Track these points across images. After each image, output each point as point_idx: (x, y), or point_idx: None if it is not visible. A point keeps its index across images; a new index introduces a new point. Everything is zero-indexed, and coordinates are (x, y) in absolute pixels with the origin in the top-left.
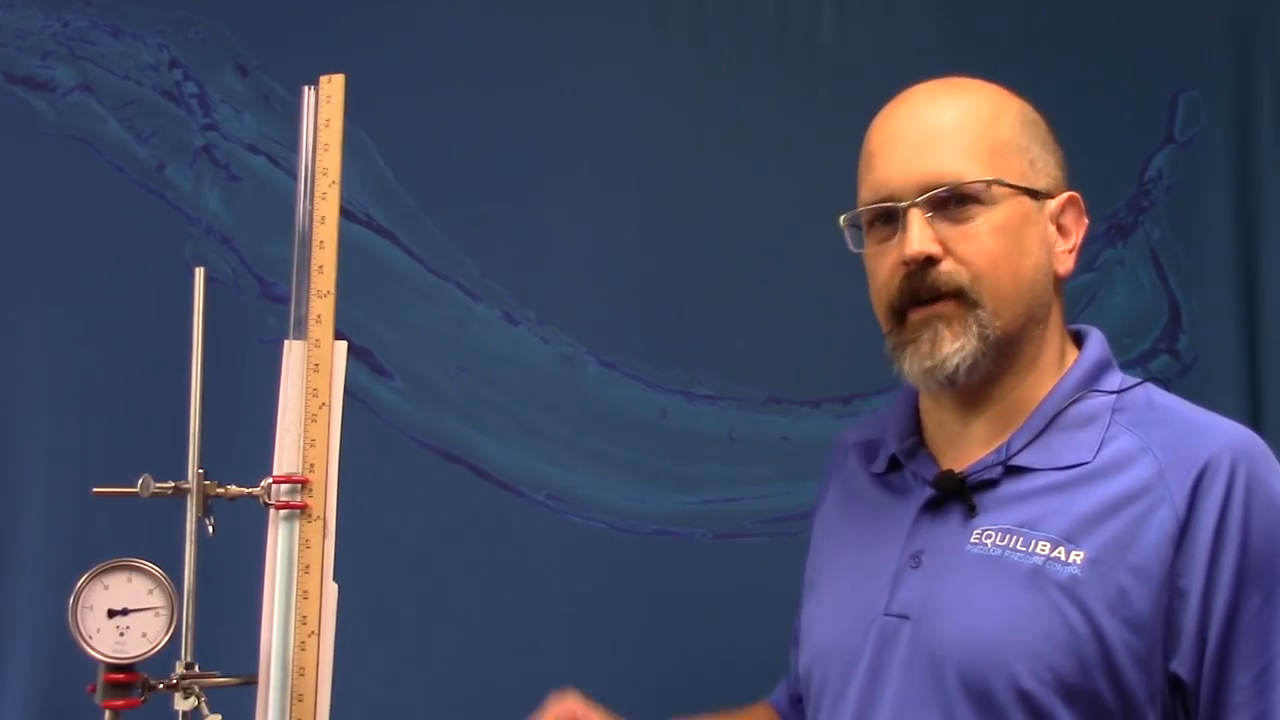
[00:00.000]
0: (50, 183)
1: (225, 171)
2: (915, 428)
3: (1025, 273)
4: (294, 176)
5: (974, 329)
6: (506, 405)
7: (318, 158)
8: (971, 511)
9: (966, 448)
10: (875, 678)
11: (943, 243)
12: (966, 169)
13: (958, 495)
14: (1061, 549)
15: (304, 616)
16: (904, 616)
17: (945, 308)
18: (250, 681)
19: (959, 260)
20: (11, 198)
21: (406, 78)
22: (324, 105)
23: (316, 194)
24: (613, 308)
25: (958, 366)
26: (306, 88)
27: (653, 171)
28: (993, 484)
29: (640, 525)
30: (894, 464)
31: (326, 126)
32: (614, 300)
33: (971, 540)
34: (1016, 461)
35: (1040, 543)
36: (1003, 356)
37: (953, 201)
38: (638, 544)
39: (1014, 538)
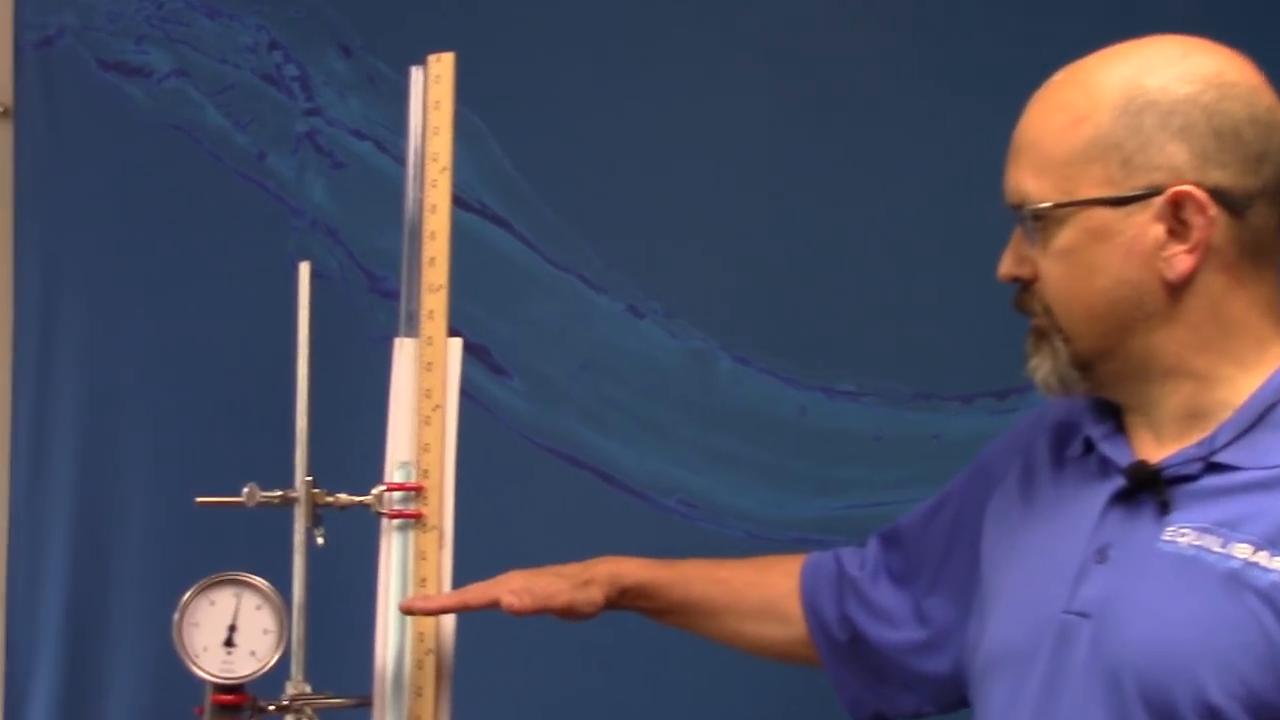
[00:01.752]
0: (146, 174)
1: (330, 159)
2: (1115, 410)
3: (1098, 294)
4: (403, 163)
5: (1050, 351)
6: (633, 405)
7: (427, 142)
8: (1165, 508)
9: (1164, 438)
10: (1051, 682)
11: (1032, 261)
12: (1034, 189)
13: (1151, 488)
14: (1264, 554)
15: (421, 633)
16: (1085, 615)
17: (1039, 322)
18: (364, 703)
19: (1040, 281)
20: (106, 191)
21: (521, 55)
22: (433, 86)
23: (427, 181)
24: (746, 299)
25: (1046, 383)
26: (414, 68)
27: (788, 150)
28: (1191, 478)
29: (779, 533)
30: (1087, 447)
31: (436, 109)
32: (747, 291)
33: (1164, 538)
34: (1220, 458)
35: (1240, 545)
36: (1116, 372)
37: (1029, 219)
38: (777, 552)
39: (1211, 538)
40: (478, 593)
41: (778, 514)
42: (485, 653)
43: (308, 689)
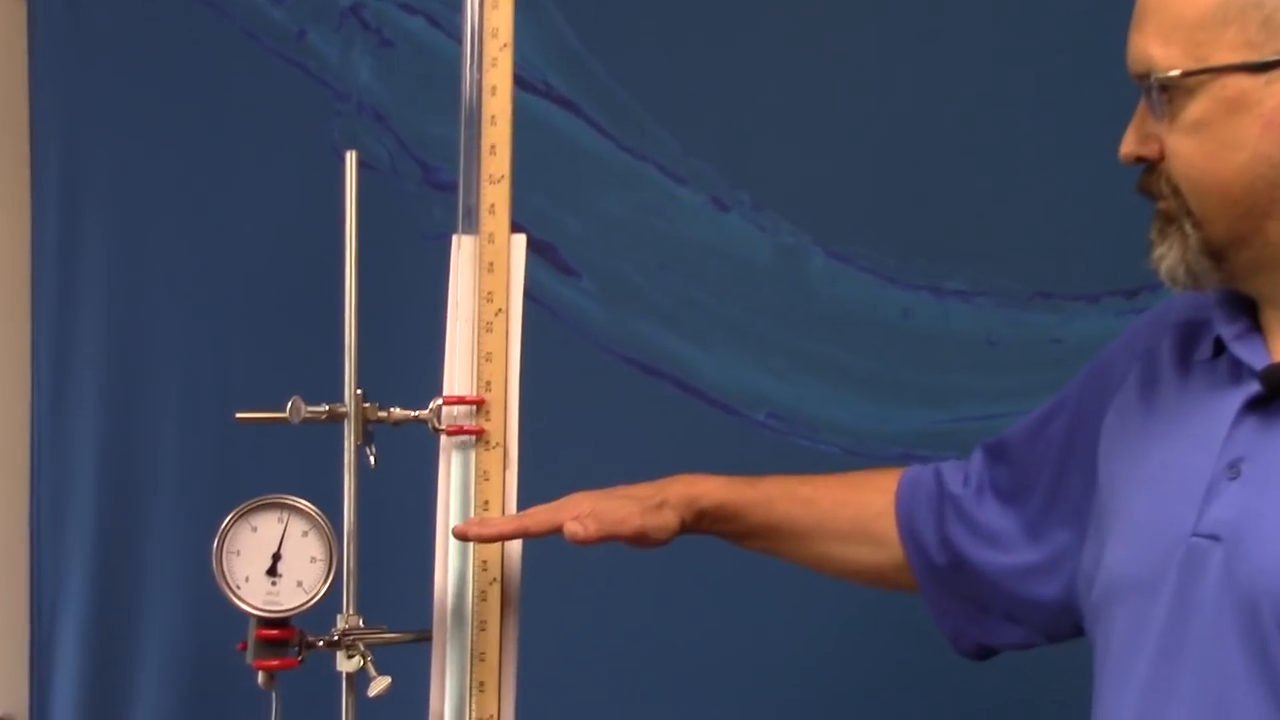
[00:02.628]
0: (172, 57)
1: (377, 36)
2: (1249, 307)
3: (1233, 173)
4: (458, 40)
5: (1177, 238)
6: (716, 307)
7: (485, 16)
8: None
9: None
10: (1178, 613)
11: (1158, 138)
12: (1160, 56)
13: None
14: None
15: (484, 561)
16: (1215, 538)
17: (1166, 206)
18: (423, 638)
19: (1167, 160)
20: (128, 77)
21: None
22: None
23: (485, 60)
24: (843, 187)
25: (1172, 274)
26: None
27: (892, 16)
28: None
29: (881, 449)
30: (1217, 349)
31: None
32: (844, 178)
33: None
34: None
35: None
36: (1252, 262)
37: (1155, 91)
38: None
39: None
40: (540, 517)
41: (878, 428)
42: (546, 582)
43: (360, 623)
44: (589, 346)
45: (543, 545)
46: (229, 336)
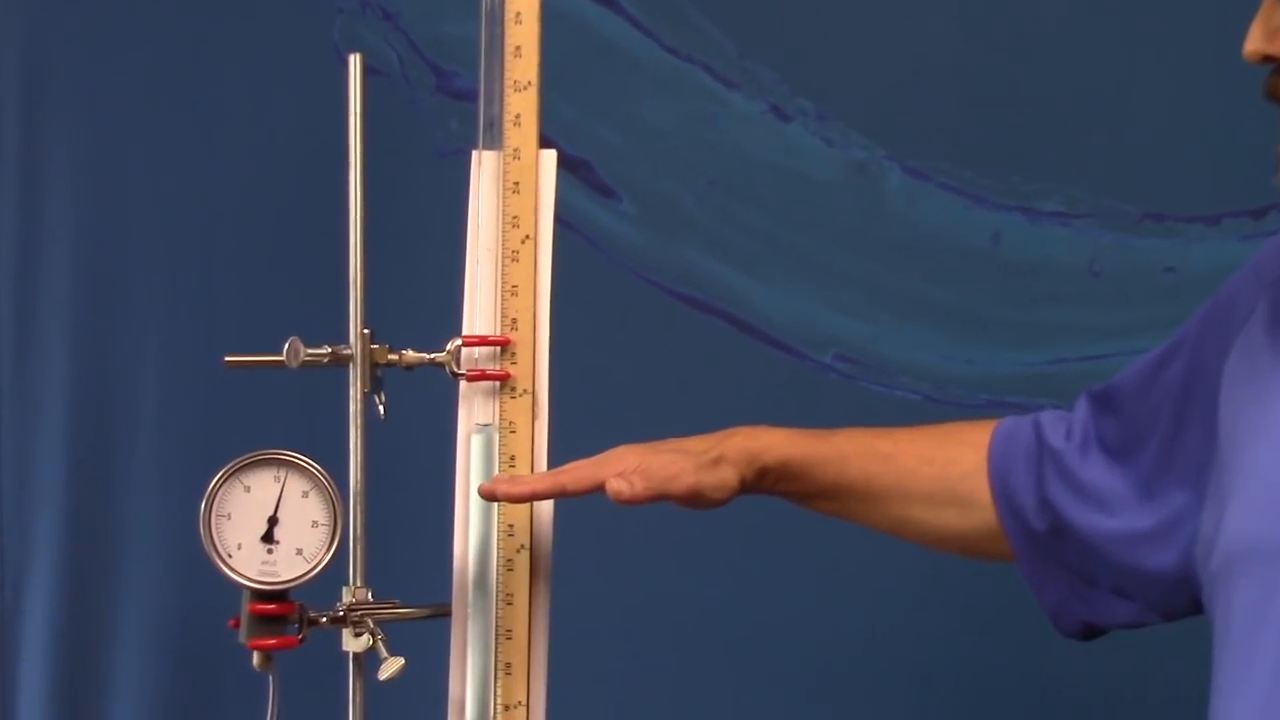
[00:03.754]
0: None
1: None
2: None
3: None
4: None
5: None
6: (777, 232)
7: None
8: None
9: None
10: None
11: None
12: None
13: None
14: None
15: (510, 525)
16: None
17: None
18: (440, 613)
19: None
20: None
21: None
22: None
23: None
24: (923, 94)
25: None
26: None
27: None
28: None
29: (966, 395)
30: None
31: None
32: (924, 84)
33: None
34: None
35: None
36: None
37: None
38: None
39: None
40: (579, 474)
41: (964, 371)
42: (581, 549)
43: (369, 596)
44: (629, 278)
45: (578, 507)
46: (216, 268)
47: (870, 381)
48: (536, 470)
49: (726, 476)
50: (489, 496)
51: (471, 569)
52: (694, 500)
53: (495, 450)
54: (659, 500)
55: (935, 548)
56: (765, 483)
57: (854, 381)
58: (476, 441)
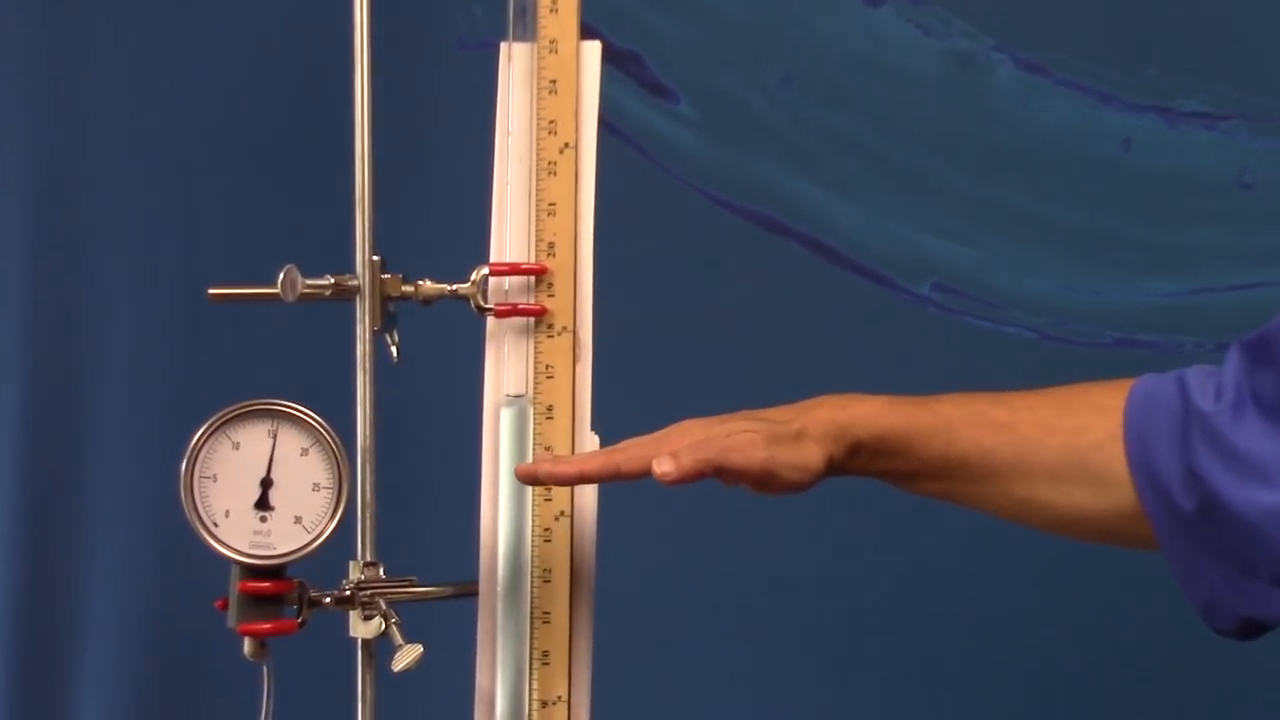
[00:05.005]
0: None
1: None
2: None
3: None
4: None
5: None
6: (863, 138)
7: None
8: None
9: None
10: None
11: None
12: None
13: None
14: None
15: (548, 490)
16: None
17: None
18: (465, 593)
19: None
20: None
21: None
22: None
23: None
24: None
25: None
26: None
27: None
28: None
29: (1091, 332)
30: None
31: None
32: None
33: None
34: None
35: None
36: None
37: None
38: (1087, 362)
39: None
40: (636, 453)
41: (1088, 302)
42: (631, 516)
43: (380, 573)
44: (688, 195)
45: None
46: (197, 184)
47: (975, 316)
48: (580, 421)
49: (809, 455)
50: (528, 479)
51: (502, 541)
52: (765, 480)
53: (529, 426)
54: (716, 475)
55: (1066, 533)
56: (858, 462)
57: (956, 316)
58: (507, 418)
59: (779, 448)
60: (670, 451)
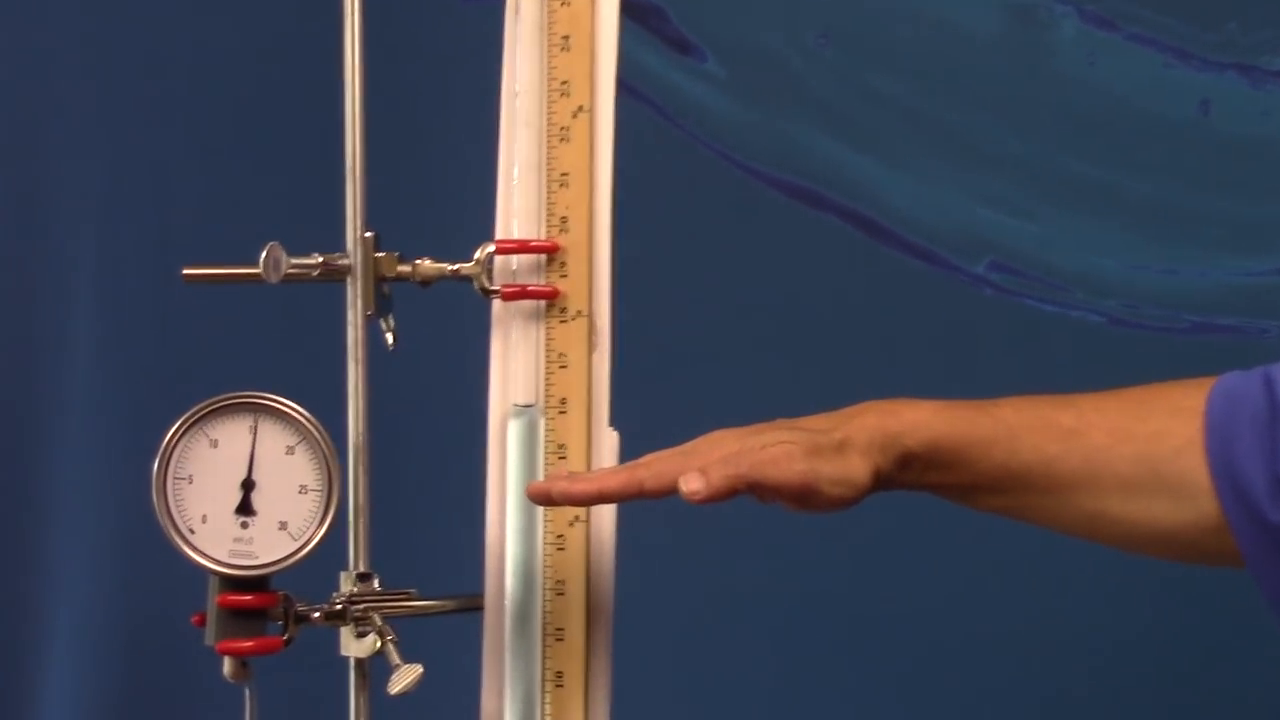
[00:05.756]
0: None
1: None
2: None
3: None
4: None
5: None
6: (911, 100)
7: None
8: None
9: None
10: None
11: None
12: None
13: None
14: None
15: None
16: None
17: None
18: (470, 606)
19: None
20: None
21: None
22: None
23: None
24: None
25: None
26: None
27: None
28: None
29: (1165, 316)
30: None
31: None
32: None
33: None
34: None
35: None
36: None
37: None
38: (1161, 349)
39: None
40: (661, 468)
41: (1161, 283)
42: (655, 522)
43: (375, 585)
44: (716, 163)
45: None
46: (170, 151)
47: (1037, 298)
48: (596, 415)
49: (854, 468)
50: (541, 499)
51: (510, 549)
52: (805, 497)
53: (540, 438)
54: (751, 491)
55: (1138, 550)
56: (908, 475)
57: (1015, 298)
58: (516, 430)
59: (820, 460)
60: (699, 467)
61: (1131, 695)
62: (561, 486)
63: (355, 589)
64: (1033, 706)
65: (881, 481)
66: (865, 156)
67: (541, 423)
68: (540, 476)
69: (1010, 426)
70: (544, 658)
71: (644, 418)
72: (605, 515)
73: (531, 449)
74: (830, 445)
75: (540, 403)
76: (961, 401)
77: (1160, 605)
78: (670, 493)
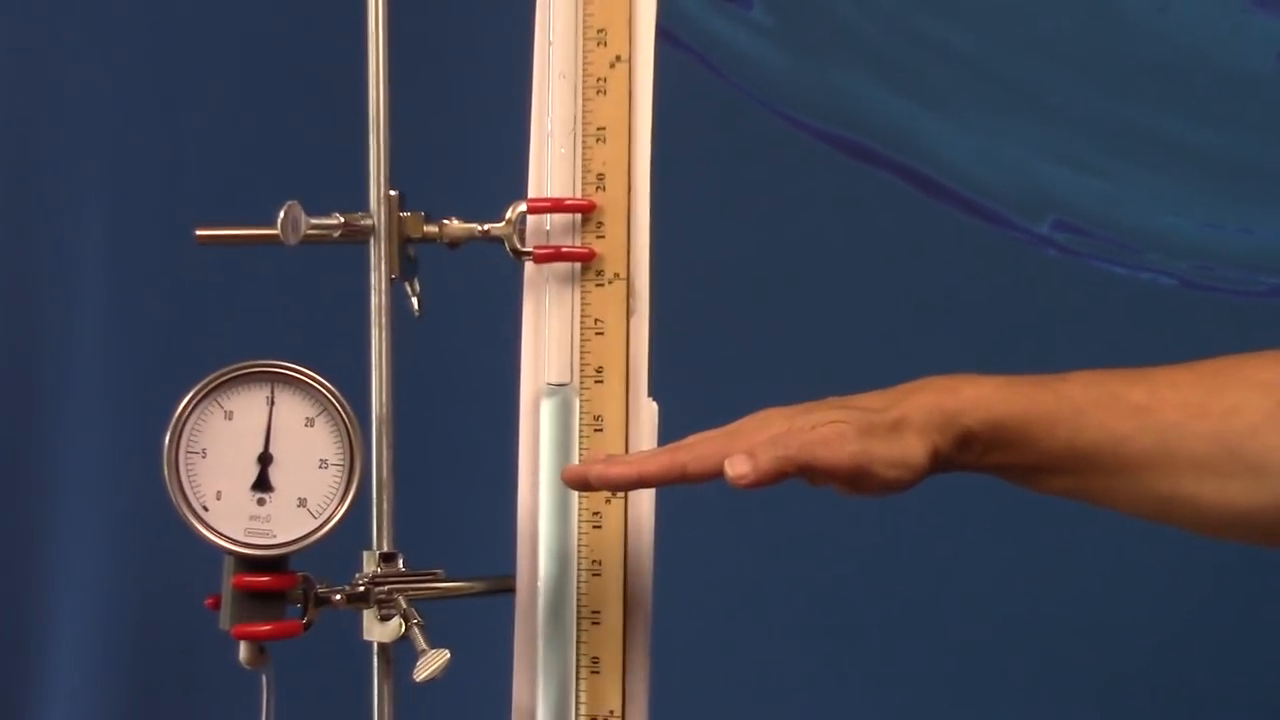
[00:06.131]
0: None
1: None
2: None
3: None
4: None
5: None
6: (971, 49)
7: None
8: None
9: None
10: None
11: None
12: None
13: None
14: None
15: None
16: None
17: None
18: (501, 588)
19: None
20: None
21: None
22: None
23: None
24: None
25: None
26: None
27: None
28: None
29: (1241, 278)
30: None
31: None
32: None
33: None
34: None
35: None
36: None
37: None
38: (1237, 313)
39: None
40: (706, 450)
41: (1239, 244)
42: (699, 497)
43: (400, 566)
44: (763, 115)
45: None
46: (183, 105)
47: (1105, 260)
48: (634, 391)
49: (910, 448)
50: (577, 484)
51: (543, 527)
52: (859, 479)
53: (575, 413)
54: (801, 474)
55: (1215, 534)
56: (969, 455)
57: (1081, 260)
58: (549, 409)
59: (874, 440)
60: (745, 449)
61: (1191, 675)
62: (599, 470)
63: (379, 569)
64: (1089, 691)
65: (940, 463)
66: (921, 109)
67: (576, 401)
68: (575, 453)
69: (1077, 403)
70: (579, 642)
71: (684, 390)
72: (644, 491)
73: (566, 425)
74: (885, 425)
75: (575, 381)
76: (1024, 377)
77: (1223, 584)
78: (714, 477)
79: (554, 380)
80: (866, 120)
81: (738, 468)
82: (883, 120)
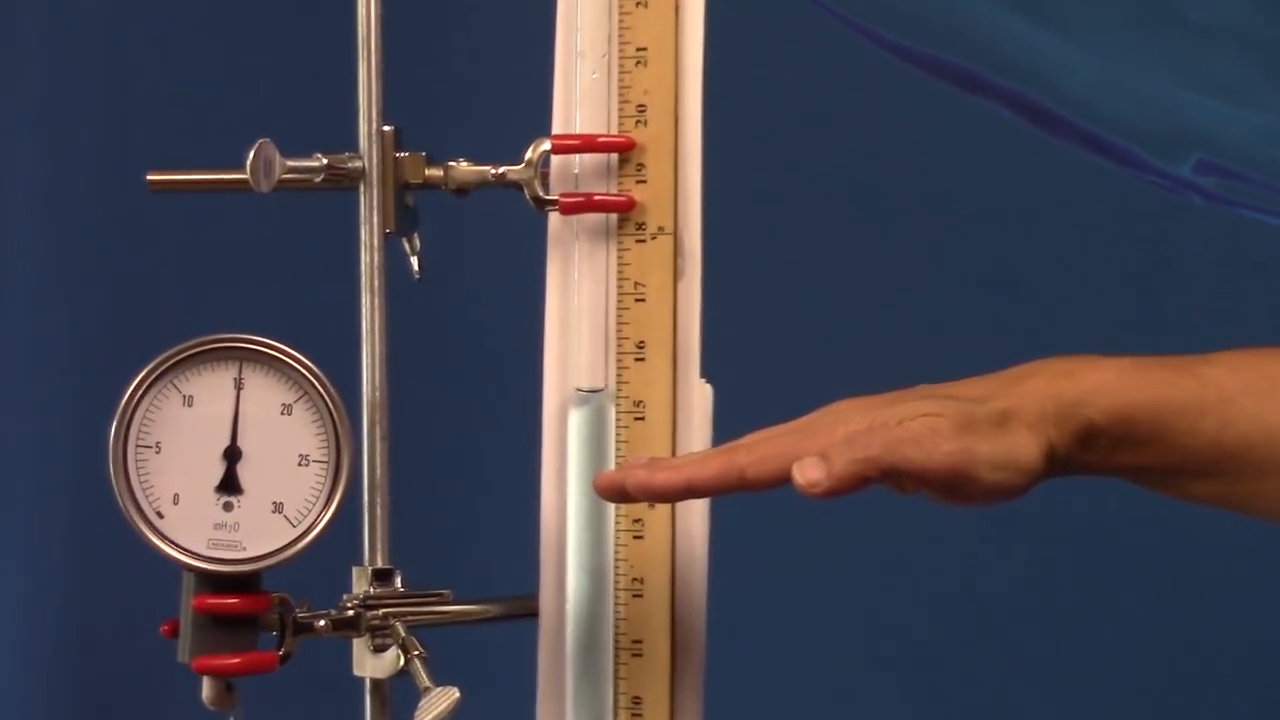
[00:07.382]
0: None
1: None
2: None
3: None
4: None
5: None
6: None
7: None
8: None
9: None
10: None
11: None
12: None
13: None
14: None
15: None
16: None
17: None
18: (521, 612)
19: None
20: None
21: None
22: None
23: None
24: None
25: None
26: None
27: None
28: None
29: None
30: None
31: None
32: None
33: None
34: None
35: None
36: None
37: None
38: None
39: None
40: (770, 451)
41: None
42: (758, 505)
43: (397, 584)
44: (843, 34)
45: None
46: (132, 27)
47: (1256, 209)
48: (682, 363)
49: (1020, 446)
50: (613, 494)
51: (572, 538)
52: (957, 483)
53: (610, 427)
54: (886, 480)
55: None
56: (1093, 454)
57: (1229, 208)
58: (578, 420)
59: (976, 437)
60: (819, 450)
61: None
62: (639, 477)
63: (372, 590)
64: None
65: (1057, 463)
66: (1038, 28)
67: (611, 412)
68: (611, 448)
69: (1223, 390)
70: (617, 678)
71: (744, 369)
72: (697, 509)
73: (601, 414)
74: (989, 418)
75: (610, 386)
76: (1158, 358)
77: None
78: (781, 483)
79: (584, 386)
80: (972, 41)
81: (809, 473)
82: (992, 41)
